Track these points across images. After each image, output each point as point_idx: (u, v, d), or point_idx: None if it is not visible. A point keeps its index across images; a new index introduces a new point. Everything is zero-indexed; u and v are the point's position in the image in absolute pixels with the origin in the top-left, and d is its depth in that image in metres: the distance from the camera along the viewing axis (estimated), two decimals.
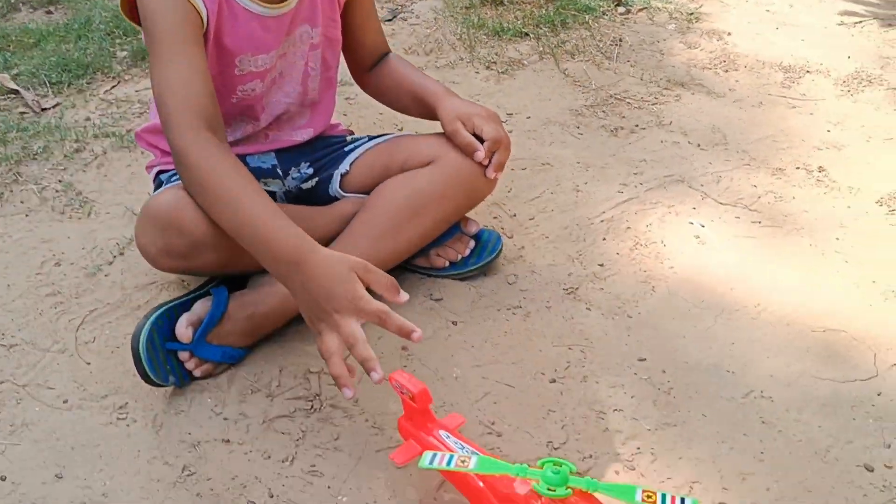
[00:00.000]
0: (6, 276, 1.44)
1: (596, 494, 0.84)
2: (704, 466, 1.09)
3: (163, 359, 1.20)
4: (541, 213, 1.59)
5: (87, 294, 1.40)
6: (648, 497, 0.80)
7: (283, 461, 1.12)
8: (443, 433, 0.98)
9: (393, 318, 1.05)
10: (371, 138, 1.43)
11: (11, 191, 1.66)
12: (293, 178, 1.41)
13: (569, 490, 0.83)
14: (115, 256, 1.48)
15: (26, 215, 1.60)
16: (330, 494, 1.07)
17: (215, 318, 1.23)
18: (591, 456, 1.10)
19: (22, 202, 1.63)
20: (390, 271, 1.38)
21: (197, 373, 1.23)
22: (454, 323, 1.34)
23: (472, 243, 1.44)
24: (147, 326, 1.18)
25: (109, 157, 1.77)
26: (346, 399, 1.10)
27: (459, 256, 1.43)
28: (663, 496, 0.80)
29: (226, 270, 1.27)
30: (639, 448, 1.12)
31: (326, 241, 1.27)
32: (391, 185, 1.33)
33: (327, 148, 1.43)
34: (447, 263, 1.42)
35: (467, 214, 1.45)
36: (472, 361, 1.27)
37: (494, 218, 1.57)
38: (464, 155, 1.33)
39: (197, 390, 1.22)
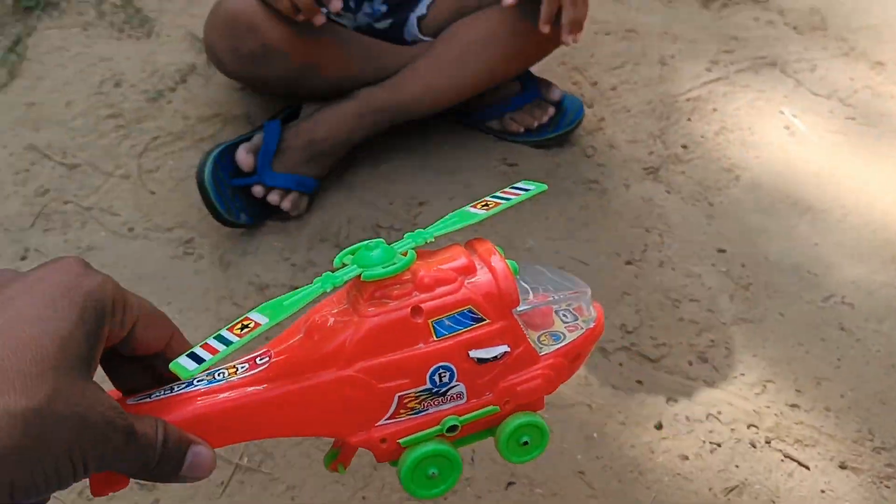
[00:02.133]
0: (66, 93, 1.39)
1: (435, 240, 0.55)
2: (779, 367, 1.07)
3: (230, 195, 1.17)
4: (623, 84, 1.50)
5: (148, 120, 1.35)
6: (485, 205, 0.55)
7: None
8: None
9: None
10: None
11: (69, 0, 1.57)
12: (365, 14, 1.32)
13: (410, 254, 0.52)
14: (176, 83, 1.42)
15: (84, 29, 1.52)
16: None
17: (271, 146, 1.19)
18: (664, 344, 1.08)
19: (80, 14, 1.55)
20: (459, 130, 1.33)
21: (285, 204, 1.19)
22: None
23: (551, 111, 1.36)
24: (210, 162, 1.14)
25: None
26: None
27: (536, 123, 1.36)
28: (493, 195, 0.56)
29: (287, 89, 1.24)
30: (713, 341, 1.09)
31: None
32: (463, 21, 1.27)
33: None
34: (522, 129, 1.36)
35: (550, 80, 1.38)
36: (545, 233, 1.23)
37: (574, 84, 1.49)
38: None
39: (265, 232, 1.19)
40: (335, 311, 0.50)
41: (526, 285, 0.56)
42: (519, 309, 0.52)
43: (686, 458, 0.96)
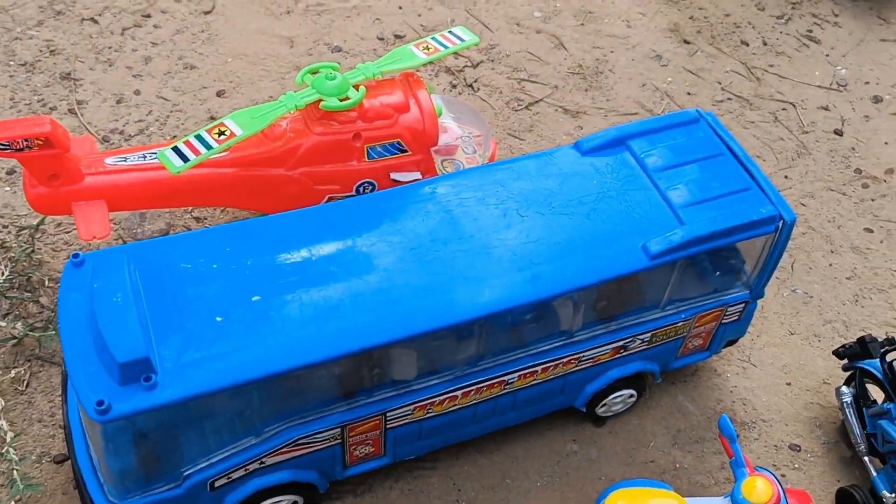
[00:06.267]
0: None
1: (385, 76, 0.71)
2: None
3: None
4: None
5: None
6: (426, 48, 0.70)
7: (778, 17, 1.04)
8: (110, 160, 0.68)
9: None
10: None
11: None
12: None
13: (361, 90, 0.67)
14: None
15: None
16: (828, 62, 1.00)
17: None
18: None
19: None
20: None
21: None
22: None
23: None
24: None
25: None
26: None
27: None
28: (433, 38, 0.72)
29: None
30: None
31: None
32: None
33: None
34: None
35: None
36: None
37: None
38: None
39: None
40: (289, 121, 0.66)
41: (448, 115, 0.74)
42: (434, 148, 0.69)
43: None
